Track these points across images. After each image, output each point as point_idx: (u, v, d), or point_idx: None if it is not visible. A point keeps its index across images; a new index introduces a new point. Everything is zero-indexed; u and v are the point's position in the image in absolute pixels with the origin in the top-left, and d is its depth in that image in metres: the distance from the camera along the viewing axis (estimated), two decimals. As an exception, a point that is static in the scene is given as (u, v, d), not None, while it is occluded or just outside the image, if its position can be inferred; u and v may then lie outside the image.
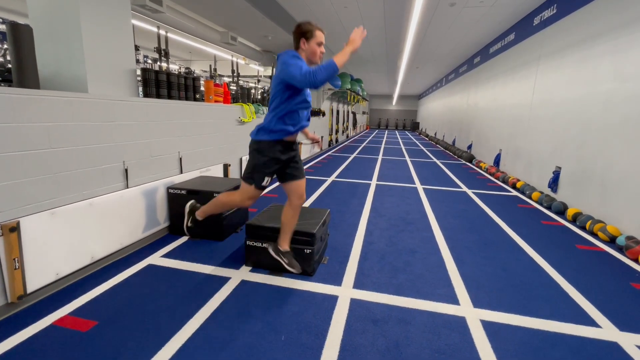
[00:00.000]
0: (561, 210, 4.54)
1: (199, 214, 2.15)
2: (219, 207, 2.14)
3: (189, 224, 2.15)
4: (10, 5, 7.46)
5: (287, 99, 1.88)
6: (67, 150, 2.32)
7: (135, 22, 7.23)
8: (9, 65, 3.88)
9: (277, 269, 2.62)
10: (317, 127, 9.91)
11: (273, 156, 1.97)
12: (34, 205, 2.12)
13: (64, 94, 2.30)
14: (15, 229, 1.95)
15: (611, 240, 3.53)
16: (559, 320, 2.12)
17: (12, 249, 1.94)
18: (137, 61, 5.43)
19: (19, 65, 2.32)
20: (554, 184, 5.02)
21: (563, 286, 2.58)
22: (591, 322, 2.12)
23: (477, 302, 2.30)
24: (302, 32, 1.86)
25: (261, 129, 1.98)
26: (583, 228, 3.97)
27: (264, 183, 2.00)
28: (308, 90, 1.94)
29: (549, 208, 4.78)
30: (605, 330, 2.04)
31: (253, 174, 1.98)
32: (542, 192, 5.21)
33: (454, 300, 2.32)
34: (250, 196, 2.03)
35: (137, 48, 6.77)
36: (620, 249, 3.34)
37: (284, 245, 2.19)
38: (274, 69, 7.71)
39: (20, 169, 2.03)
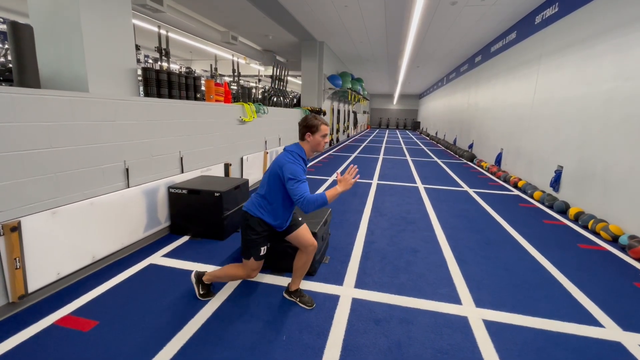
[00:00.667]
0: (563, 210, 4.52)
1: (207, 279, 2.23)
2: (226, 278, 2.23)
3: (202, 292, 2.24)
4: (11, 5, 7.46)
5: (288, 197, 1.99)
6: (67, 149, 2.32)
7: (135, 21, 7.22)
8: (10, 65, 3.88)
9: (278, 269, 2.61)
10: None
11: (263, 230, 2.03)
12: (35, 205, 2.11)
13: (64, 94, 2.29)
14: (16, 228, 1.95)
15: (614, 240, 3.51)
16: (561, 320, 2.11)
17: (13, 249, 1.94)
18: (138, 61, 5.42)
19: (20, 64, 2.32)
20: (555, 183, 5.01)
21: (565, 286, 2.56)
22: (594, 322, 2.11)
23: (479, 302, 2.29)
24: (308, 126, 2.00)
25: (259, 205, 2.01)
26: (585, 227, 3.96)
27: (261, 254, 2.05)
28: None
29: (550, 207, 4.77)
30: (609, 330, 2.03)
31: (250, 250, 2.03)
32: (543, 192, 5.20)
33: (456, 300, 2.31)
34: (253, 268, 2.09)
35: (137, 47, 6.76)
36: (622, 249, 3.33)
37: (294, 287, 2.25)
38: (275, 69, 7.69)
39: (21, 169, 2.03)
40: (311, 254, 2.16)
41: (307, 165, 2.12)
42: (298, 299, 2.21)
